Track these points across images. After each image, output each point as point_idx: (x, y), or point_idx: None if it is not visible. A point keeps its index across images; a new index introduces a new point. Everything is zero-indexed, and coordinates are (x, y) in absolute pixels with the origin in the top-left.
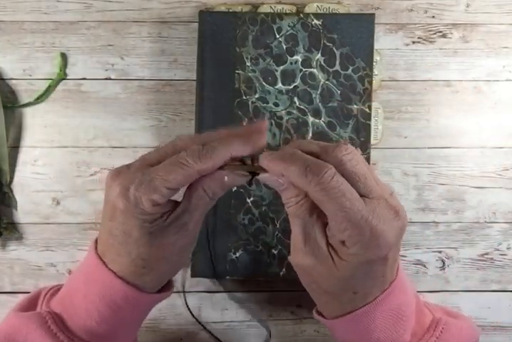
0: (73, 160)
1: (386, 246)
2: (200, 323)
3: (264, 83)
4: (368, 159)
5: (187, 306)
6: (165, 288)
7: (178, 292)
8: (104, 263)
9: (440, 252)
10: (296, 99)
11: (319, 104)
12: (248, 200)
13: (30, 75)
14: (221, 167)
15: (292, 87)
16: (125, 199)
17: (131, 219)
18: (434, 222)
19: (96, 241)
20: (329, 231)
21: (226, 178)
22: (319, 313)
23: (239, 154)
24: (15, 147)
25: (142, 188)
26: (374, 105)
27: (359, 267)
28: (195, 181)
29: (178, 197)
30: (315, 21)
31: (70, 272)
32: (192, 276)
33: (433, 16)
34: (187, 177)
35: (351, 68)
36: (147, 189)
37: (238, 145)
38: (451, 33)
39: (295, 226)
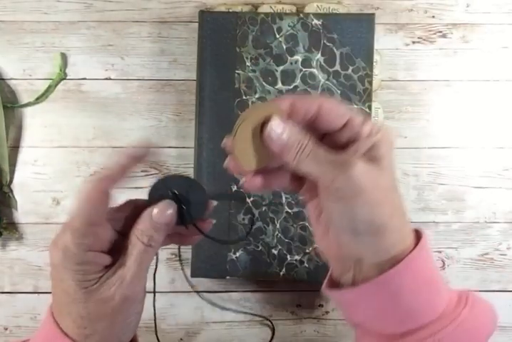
0: (73, 160)
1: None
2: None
3: (264, 83)
4: None
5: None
6: None
7: (178, 292)
8: (58, 325)
9: (440, 252)
10: None
11: None
12: (248, 200)
13: (30, 75)
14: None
15: (291, 87)
16: (56, 253)
17: (66, 273)
18: (434, 222)
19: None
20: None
21: (153, 212)
22: (333, 286)
23: (133, 154)
24: (15, 147)
25: (66, 235)
26: (374, 105)
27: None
28: (130, 232)
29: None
30: (315, 21)
31: None
32: (192, 276)
33: (433, 16)
34: (91, 200)
35: (351, 68)
36: (70, 233)
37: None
38: (451, 33)
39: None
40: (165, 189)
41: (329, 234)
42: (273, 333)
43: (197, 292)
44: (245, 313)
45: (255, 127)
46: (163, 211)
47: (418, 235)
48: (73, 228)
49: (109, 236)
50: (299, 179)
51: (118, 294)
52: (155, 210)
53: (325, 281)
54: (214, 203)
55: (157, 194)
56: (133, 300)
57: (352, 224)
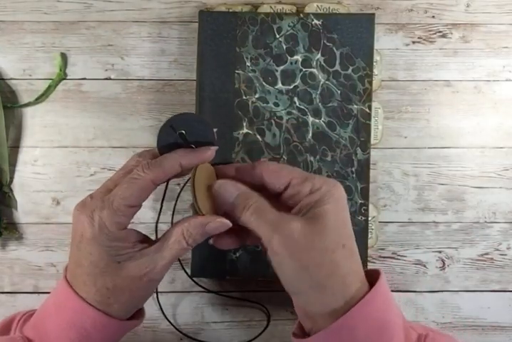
0: (73, 160)
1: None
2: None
3: (264, 83)
4: (368, 159)
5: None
6: (137, 315)
7: (178, 292)
8: (74, 290)
9: (440, 252)
10: (296, 99)
11: (319, 104)
12: None
13: (30, 75)
14: (202, 214)
15: (292, 87)
16: (90, 227)
17: (98, 248)
18: (434, 222)
19: (67, 268)
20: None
21: (209, 225)
22: (297, 336)
23: (188, 162)
24: (15, 147)
25: (105, 212)
26: (374, 105)
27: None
28: (175, 224)
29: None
30: (315, 21)
31: None
32: (192, 276)
33: (433, 16)
34: (143, 188)
35: (351, 68)
36: (109, 211)
37: (185, 154)
38: (451, 33)
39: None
40: (172, 132)
41: None
42: (268, 321)
43: (198, 292)
44: (245, 313)
45: (208, 179)
46: (218, 227)
47: (376, 276)
48: (115, 207)
49: (139, 208)
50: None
51: (146, 276)
52: (211, 224)
53: (295, 327)
54: (215, 130)
55: (165, 139)
56: (157, 282)
57: (290, 284)
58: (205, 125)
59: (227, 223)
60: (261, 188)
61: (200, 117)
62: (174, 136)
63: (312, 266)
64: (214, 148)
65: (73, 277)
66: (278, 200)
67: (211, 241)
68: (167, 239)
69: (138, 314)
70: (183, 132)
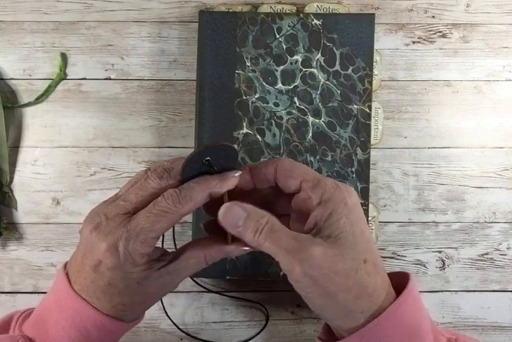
0: (73, 160)
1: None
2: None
3: (264, 83)
4: (368, 160)
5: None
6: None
7: (178, 292)
8: (73, 288)
9: (440, 252)
10: (296, 99)
11: (319, 104)
12: None
13: (30, 75)
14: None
15: (292, 87)
16: (113, 256)
17: (120, 274)
18: (434, 222)
19: (65, 266)
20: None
21: (231, 250)
22: (324, 338)
23: (216, 191)
24: (15, 147)
25: (131, 244)
26: (374, 105)
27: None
28: (196, 245)
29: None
30: (315, 21)
31: None
32: (193, 276)
33: (433, 16)
34: (172, 223)
35: (351, 68)
36: (136, 244)
37: (214, 182)
38: (451, 33)
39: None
40: (198, 160)
41: None
42: (267, 321)
43: (198, 292)
44: (245, 313)
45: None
46: (239, 251)
47: (406, 278)
48: (142, 239)
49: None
50: None
51: (165, 289)
52: (234, 252)
53: (319, 331)
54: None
55: (191, 168)
56: (169, 292)
57: (314, 308)
58: (228, 150)
59: (249, 250)
60: (273, 192)
61: (225, 144)
62: (199, 164)
63: (339, 292)
64: (238, 173)
65: (84, 291)
66: (290, 201)
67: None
68: (187, 259)
69: None
70: (209, 159)
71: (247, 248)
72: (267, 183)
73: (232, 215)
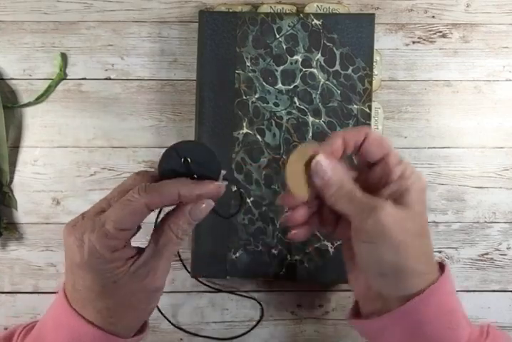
0: (73, 160)
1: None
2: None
3: (264, 83)
4: None
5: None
6: (140, 329)
7: (178, 292)
8: (71, 306)
9: (440, 252)
10: (296, 99)
11: (319, 104)
12: (248, 200)
13: (30, 75)
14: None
15: (292, 87)
16: (79, 251)
17: (90, 272)
18: (434, 222)
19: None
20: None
21: (192, 211)
22: (357, 317)
23: (187, 194)
24: (15, 147)
25: (95, 235)
26: (374, 105)
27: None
28: (161, 224)
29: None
30: (315, 21)
31: None
32: (192, 276)
33: (433, 16)
34: (136, 212)
35: (351, 68)
36: (100, 234)
37: (187, 185)
38: (451, 33)
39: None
40: (177, 157)
41: (358, 272)
42: (261, 317)
43: (198, 292)
44: (245, 313)
45: (305, 162)
46: (202, 210)
47: (441, 267)
48: (106, 230)
49: (134, 232)
50: (334, 221)
51: (148, 284)
52: (193, 209)
53: (350, 310)
54: (224, 172)
55: (168, 163)
56: (161, 289)
57: (378, 264)
58: (212, 157)
59: (210, 202)
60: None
61: (209, 148)
62: (178, 162)
63: (403, 248)
64: (217, 184)
65: (71, 299)
66: (364, 174)
67: (290, 236)
68: (157, 241)
69: (142, 327)
70: (188, 160)
71: (206, 200)
72: (354, 149)
73: (321, 168)
